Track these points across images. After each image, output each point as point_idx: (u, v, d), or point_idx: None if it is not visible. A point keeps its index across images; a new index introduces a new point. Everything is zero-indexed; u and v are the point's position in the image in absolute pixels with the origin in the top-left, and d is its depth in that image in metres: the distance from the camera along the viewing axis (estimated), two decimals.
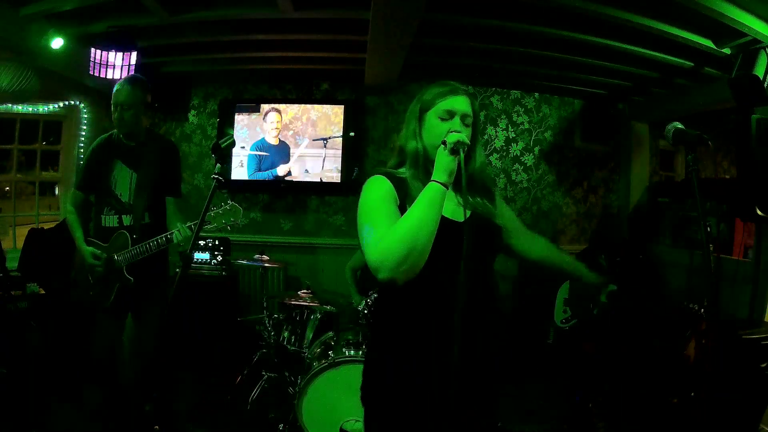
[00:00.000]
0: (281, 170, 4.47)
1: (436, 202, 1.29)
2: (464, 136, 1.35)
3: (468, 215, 1.32)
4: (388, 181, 1.42)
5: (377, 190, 1.41)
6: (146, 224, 2.44)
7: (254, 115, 4.52)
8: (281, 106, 4.52)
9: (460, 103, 1.45)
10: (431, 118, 1.45)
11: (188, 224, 2.26)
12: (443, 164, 1.32)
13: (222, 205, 2.19)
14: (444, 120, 1.43)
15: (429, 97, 1.47)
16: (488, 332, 1.42)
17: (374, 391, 1.45)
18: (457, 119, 1.43)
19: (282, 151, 4.49)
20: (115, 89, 2.39)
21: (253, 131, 4.52)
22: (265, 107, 4.51)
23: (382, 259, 1.25)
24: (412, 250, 1.24)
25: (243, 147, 4.49)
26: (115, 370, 2.50)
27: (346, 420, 2.64)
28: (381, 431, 1.43)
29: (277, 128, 4.49)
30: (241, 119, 4.53)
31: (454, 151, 1.31)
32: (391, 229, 1.28)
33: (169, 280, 2.60)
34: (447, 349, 1.24)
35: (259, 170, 4.49)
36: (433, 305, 1.34)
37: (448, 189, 1.32)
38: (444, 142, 1.33)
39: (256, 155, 4.49)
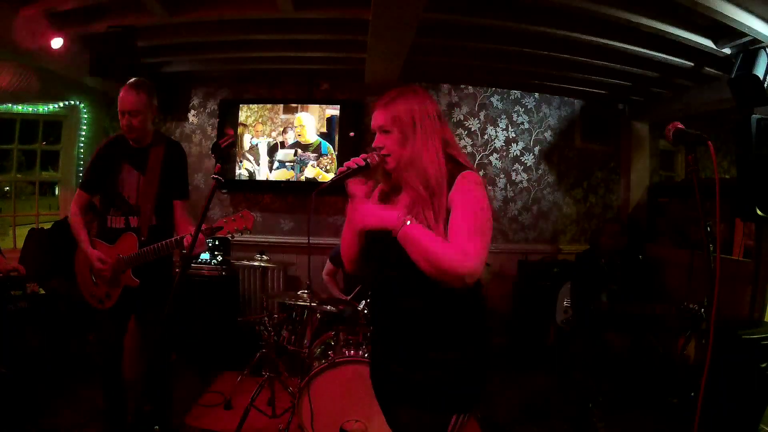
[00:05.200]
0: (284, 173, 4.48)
1: None
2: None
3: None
4: None
5: (486, 196, 1.43)
6: (153, 226, 2.44)
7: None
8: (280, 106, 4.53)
9: (375, 118, 1.51)
10: None
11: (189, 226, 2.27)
12: None
13: (235, 213, 2.21)
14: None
15: None
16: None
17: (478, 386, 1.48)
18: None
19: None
20: (122, 96, 2.37)
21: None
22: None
23: (479, 268, 1.34)
24: None
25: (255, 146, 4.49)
26: (117, 371, 2.50)
27: (346, 420, 2.63)
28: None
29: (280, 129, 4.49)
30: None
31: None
32: (485, 240, 1.38)
33: (172, 282, 2.60)
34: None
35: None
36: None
37: None
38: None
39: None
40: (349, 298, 3.37)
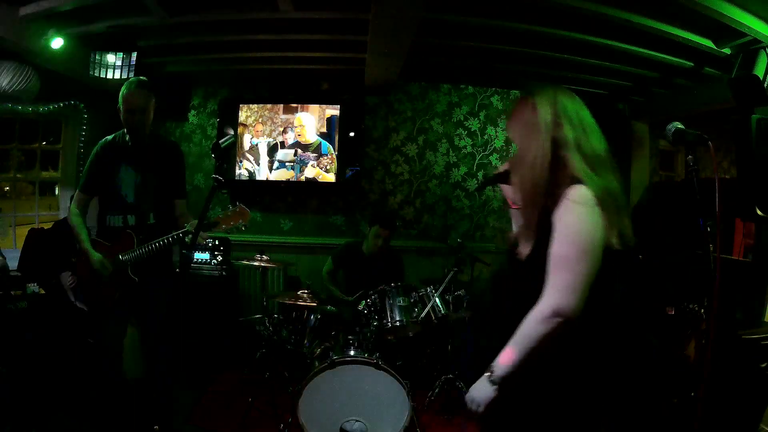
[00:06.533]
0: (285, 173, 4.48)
1: None
2: None
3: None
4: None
5: (598, 228, 1.24)
6: (151, 225, 2.45)
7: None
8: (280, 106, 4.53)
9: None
10: None
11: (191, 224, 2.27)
12: None
13: (230, 208, 2.20)
14: None
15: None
16: None
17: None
18: None
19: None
20: (126, 93, 2.38)
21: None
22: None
23: (567, 304, 1.21)
24: None
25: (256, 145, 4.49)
26: (117, 371, 2.50)
27: (346, 420, 2.64)
28: None
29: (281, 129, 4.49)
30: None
31: None
32: (579, 270, 1.21)
33: (172, 281, 2.60)
34: None
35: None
36: None
37: None
38: None
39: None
40: (352, 299, 3.37)
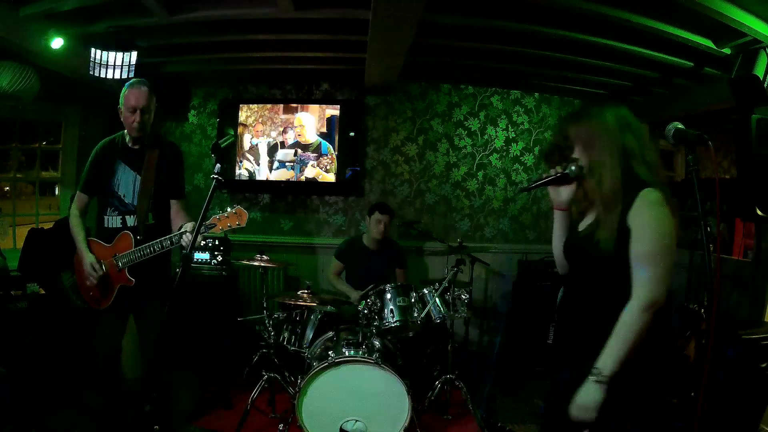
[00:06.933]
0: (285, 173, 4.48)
1: None
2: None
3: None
4: None
5: (672, 225, 1.41)
6: (150, 225, 2.44)
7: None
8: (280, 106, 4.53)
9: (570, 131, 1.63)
10: None
11: (191, 226, 2.26)
12: None
13: (228, 209, 2.20)
14: None
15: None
16: None
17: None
18: None
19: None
20: (127, 92, 2.37)
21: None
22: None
23: (657, 296, 1.36)
24: None
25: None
26: (116, 371, 2.50)
27: (346, 420, 2.64)
28: None
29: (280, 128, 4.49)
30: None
31: None
32: (664, 264, 1.37)
33: (171, 281, 2.60)
34: None
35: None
36: None
37: None
38: None
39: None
40: (360, 295, 3.36)
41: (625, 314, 1.37)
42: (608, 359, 1.36)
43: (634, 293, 1.37)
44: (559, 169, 1.58)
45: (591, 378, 1.37)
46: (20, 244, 3.75)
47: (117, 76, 3.28)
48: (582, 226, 1.61)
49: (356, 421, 2.63)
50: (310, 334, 3.11)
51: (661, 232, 1.38)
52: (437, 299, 3.14)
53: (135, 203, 2.44)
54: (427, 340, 3.63)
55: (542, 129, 4.81)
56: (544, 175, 1.60)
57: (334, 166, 4.46)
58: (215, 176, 1.87)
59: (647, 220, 1.38)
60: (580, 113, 1.61)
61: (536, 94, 4.78)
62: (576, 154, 1.58)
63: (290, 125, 4.50)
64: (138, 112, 2.36)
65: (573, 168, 1.56)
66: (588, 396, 1.38)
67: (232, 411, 3.15)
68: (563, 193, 1.63)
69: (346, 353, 2.69)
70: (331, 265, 3.92)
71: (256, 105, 4.56)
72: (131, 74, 3.30)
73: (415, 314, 3.00)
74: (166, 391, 2.61)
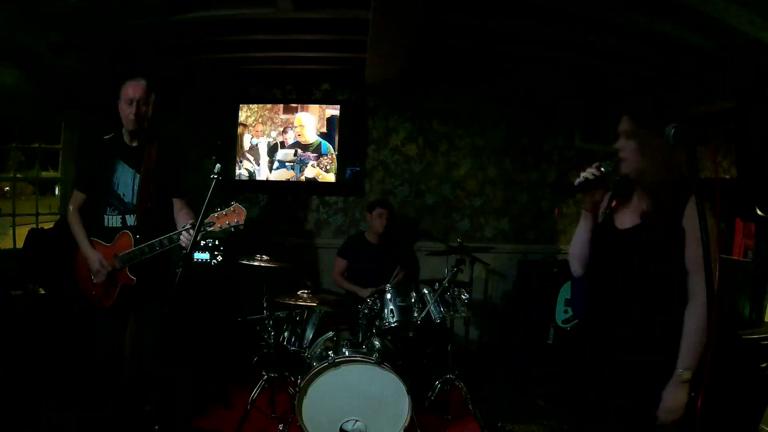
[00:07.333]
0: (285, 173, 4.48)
1: None
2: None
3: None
4: None
5: (714, 223, 1.46)
6: (150, 224, 2.44)
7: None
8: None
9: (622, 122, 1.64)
10: None
11: (189, 225, 2.26)
12: None
13: (225, 207, 2.19)
14: None
15: None
16: None
17: None
18: None
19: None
20: (127, 85, 2.39)
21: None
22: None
23: None
24: None
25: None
26: (116, 371, 2.50)
27: (346, 420, 2.64)
28: None
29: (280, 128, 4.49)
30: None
31: None
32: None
33: (171, 281, 2.60)
34: None
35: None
36: None
37: None
38: None
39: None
40: (371, 292, 3.36)
41: (692, 316, 1.45)
42: (690, 359, 1.44)
43: (694, 295, 1.46)
44: (594, 170, 1.57)
45: (676, 379, 1.45)
46: (20, 244, 3.75)
47: (117, 75, 3.27)
48: (621, 223, 1.63)
49: (356, 421, 2.63)
50: (310, 334, 3.11)
51: (714, 238, 1.43)
52: (437, 299, 3.14)
53: (134, 202, 2.44)
54: (427, 340, 3.63)
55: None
56: (583, 176, 1.59)
57: (334, 166, 4.46)
58: (215, 176, 1.87)
59: (704, 227, 1.43)
60: (644, 111, 1.62)
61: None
62: (624, 150, 1.58)
63: (290, 125, 4.50)
64: (135, 103, 2.37)
65: (608, 163, 1.57)
66: (676, 396, 1.45)
67: (232, 411, 3.15)
68: (597, 194, 1.65)
69: (346, 353, 2.68)
70: (335, 264, 3.94)
71: (256, 105, 4.56)
72: (131, 74, 3.30)
73: (415, 314, 3.00)
74: (166, 391, 2.61)
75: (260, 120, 4.54)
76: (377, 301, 3.03)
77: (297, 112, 4.52)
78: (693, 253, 1.45)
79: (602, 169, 1.57)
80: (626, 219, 1.63)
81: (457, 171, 4.72)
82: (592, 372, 1.65)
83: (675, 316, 1.50)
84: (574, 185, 1.59)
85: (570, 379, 1.80)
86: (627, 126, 1.58)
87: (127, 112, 2.39)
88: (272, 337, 3.08)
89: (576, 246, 1.75)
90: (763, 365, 2.63)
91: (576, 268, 1.78)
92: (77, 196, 2.53)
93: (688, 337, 1.45)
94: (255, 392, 2.93)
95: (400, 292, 3.04)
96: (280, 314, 3.21)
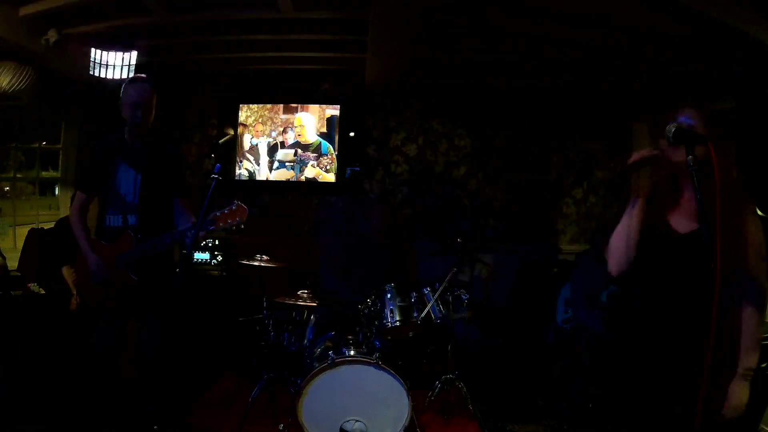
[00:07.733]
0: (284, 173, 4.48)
1: None
2: None
3: None
4: None
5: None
6: (152, 224, 2.43)
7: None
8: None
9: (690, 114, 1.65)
10: None
11: (190, 224, 2.26)
12: None
13: (227, 206, 2.19)
14: None
15: None
16: None
17: None
18: None
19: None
20: (130, 88, 2.38)
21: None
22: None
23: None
24: None
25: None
26: (116, 371, 2.50)
27: (346, 420, 2.63)
28: None
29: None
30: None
31: None
32: None
33: (172, 281, 2.60)
34: None
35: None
36: None
37: None
38: None
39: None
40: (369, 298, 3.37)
41: (751, 317, 1.50)
42: (752, 358, 1.50)
43: (750, 298, 1.50)
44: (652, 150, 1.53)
45: (741, 377, 1.51)
46: (20, 244, 3.75)
47: (117, 75, 3.28)
48: (679, 227, 1.58)
49: (356, 421, 2.63)
50: (310, 334, 3.11)
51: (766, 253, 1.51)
52: (437, 299, 3.14)
53: (136, 202, 2.44)
54: (427, 340, 3.62)
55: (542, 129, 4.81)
56: (644, 152, 1.55)
57: (334, 166, 4.46)
58: (215, 176, 1.87)
59: (758, 240, 1.51)
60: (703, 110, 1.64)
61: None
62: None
63: (290, 125, 4.50)
64: (138, 107, 2.36)
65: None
66: (741, 394, 1.52)
67: (232, 411, 3.15)
68: (649, 179, 1.60)
69: (346, 353, 2.68)
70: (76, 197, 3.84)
71: (256, 105, 4.56)
72: (131, 74, 3.30)
73: (415, 314, 3.00)
74: (166, 391, 2.61)
75: (260, 120, 4.54)
76: (377, 301, 3.03)
77: (297, 112, 4.52)
78: (753, 257, 1.49)
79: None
80: (683, 222, 1.58)
81: (457, 171, 4.72)
82: (644, 379, 1.65)
83: (733, 319, 1.51)
84: (629, 164, 1.55)
85: (613, 387, 1.80)
86: (694, 120, 1.60)
87: (129, 116, 2.39)
88: (272, 337, 3.08)
89: (621, 240, 1.63)
90: (763, 365, 2.63)
91: (616, 265, 1.68)
92: (80, 197, 2.53)
93: (749, 336, 1.49)
94: (255, 392, 2.93)
95: (400, 293, 3.04)
96: (280, 314, 3.21)
